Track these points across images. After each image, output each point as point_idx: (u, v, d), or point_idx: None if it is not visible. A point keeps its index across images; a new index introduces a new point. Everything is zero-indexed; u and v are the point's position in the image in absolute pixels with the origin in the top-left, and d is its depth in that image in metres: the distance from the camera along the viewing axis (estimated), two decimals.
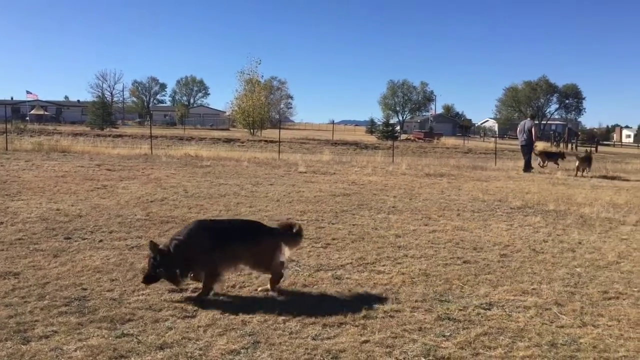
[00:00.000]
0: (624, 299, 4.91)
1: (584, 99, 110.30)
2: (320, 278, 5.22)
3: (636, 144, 79.41)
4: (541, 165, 19.79)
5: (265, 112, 54.18)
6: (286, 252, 4.95)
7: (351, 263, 5.80)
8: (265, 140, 35.42)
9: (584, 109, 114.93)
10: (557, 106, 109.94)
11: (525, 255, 6.44)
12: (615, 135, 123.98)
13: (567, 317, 4.39)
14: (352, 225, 7.80)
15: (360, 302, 4.55)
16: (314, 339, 3.80)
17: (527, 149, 19.55)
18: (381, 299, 4.67)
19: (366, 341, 3.77)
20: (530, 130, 19.36)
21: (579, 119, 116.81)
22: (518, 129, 20.67)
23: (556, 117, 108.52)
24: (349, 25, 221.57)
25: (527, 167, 19.11)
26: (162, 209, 8.29)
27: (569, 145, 46.60)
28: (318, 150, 27.88)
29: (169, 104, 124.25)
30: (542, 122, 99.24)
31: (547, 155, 20.54)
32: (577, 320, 4.33)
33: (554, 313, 4.49)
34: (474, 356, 3.61)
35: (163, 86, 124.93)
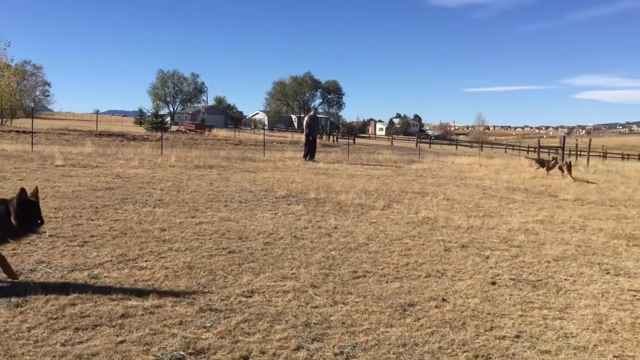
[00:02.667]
0: (370, 277, 5.43)
1: (344, 94, 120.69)
2: (75, 279, 4.84)
3: (387, 136, 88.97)
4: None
5: (16, 100, 48.47)
6: None
7: (111, 260, 5.48)
8: (17, 131, 31.67)
9: (344, 103, 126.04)
10: (320, 100, 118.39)
11: (287, 242, 6.75)
12: (370, 128, 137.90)
13: (321, 298, 4.71)
14: (114, 220, 7.39)
15: (118, 301, 4.31)
16: (63, 345, 3.49)
17: (311, 141, 21.85)
18: (141, 296, 4.48)
19: (122, 341, 3.59)
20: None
21: (340, 113, 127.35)
22: (305, 122, 22.91)
23: (320, 111, 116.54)
24: (117, 16, 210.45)
25: (311, 156, 21.45)
26: None
27: (331, 137, 50.12)
28: (79, 142, 25.90)
29: None
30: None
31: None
32: (330, 300, 4.66)
33: (309, 295, 4.77)
34: (233, 344, 3.67)
35: None
